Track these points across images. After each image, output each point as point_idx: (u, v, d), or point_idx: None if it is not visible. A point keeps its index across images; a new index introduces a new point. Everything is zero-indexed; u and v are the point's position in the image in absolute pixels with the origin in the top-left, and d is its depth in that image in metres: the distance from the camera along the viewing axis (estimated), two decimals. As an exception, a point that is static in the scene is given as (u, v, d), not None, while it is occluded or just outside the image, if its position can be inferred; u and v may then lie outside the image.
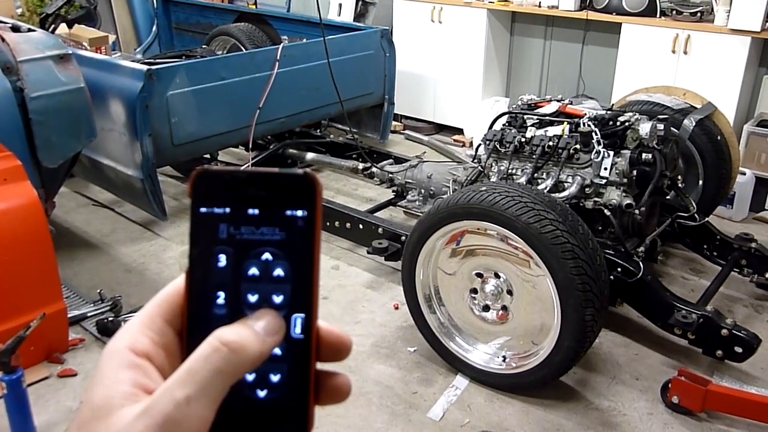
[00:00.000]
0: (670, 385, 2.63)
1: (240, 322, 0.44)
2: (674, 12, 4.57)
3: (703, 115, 3.47)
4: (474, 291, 2.77)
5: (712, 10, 4.44)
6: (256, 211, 0.44)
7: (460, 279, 2.79)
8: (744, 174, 4.21)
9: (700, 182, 3.54)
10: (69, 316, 3.00)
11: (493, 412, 2.68)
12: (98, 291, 3.31)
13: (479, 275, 2.74)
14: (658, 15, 4.62)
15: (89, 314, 3.18)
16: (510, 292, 2.68)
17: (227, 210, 0.44)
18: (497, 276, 2.70)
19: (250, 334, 0.43)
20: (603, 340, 3.01)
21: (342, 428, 2.57)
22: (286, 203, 0.44)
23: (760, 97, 4.61)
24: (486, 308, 2.76)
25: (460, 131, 5.73)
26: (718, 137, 3.48)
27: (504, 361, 2.76)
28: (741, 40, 4.27)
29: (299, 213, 0.44)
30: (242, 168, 0.45)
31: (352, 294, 3.47)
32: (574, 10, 4.96)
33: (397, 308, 3.32)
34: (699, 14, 4.48)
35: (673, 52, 4.53)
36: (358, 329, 3.18)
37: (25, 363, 2.56)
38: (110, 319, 3.10)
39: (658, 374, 2.85)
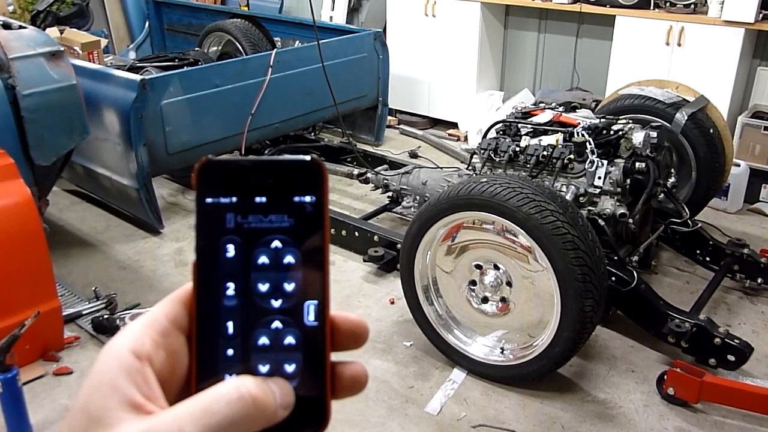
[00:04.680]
0: (665, 377, 2.64)
1: (266, 379, 0.42)
2: (668, 4, 4.56)
3: (695, 109, 3.47)
4: (473, 283, 2.78)
5: (706, 1, 4.43)
6: (264, 199, 0.44)
7: (459, 272, 2.79)
8: (738, 166, 4.21)
9: (693, 176, 3.55)
10: (64, 314, 3.00)
11: (490, 405, 2.68)
12: (93, 289, 3.30)
13: (478, 267, 2.75)
14: (651, 7, 4.61)
15: (84, 312, 3.17)
16: (509, 284, 2.69)
17: (234, 199, 0.43)
18: (497, 267, 2.71)
19: (272, 398, 0.41)
20: (598, 332, 3.02)
21: (338, 423, 2.57)
22: (294, 190, 0.44)
23: (754, 88, 4.61)
24: (485, 300, 2.77)
25: (454, 125, 5.72)
26: (711, 130, 3.48)
27: (502, 353, 2.76)
28: (735, 31, 4.26)
29: (307, 199, 0.44)
30: (247, 157, 0.45)
31: (347, 289, 3.47)
32: (568, 3, 4.95)
33: (393, 303, 3.32)
34: (692, 6, 4.47)
35: (667, 44, 4.52)
36: (354, 324, 3.17)
37: (21, 361, 2.56)
38: (105, 316, 3.10)
39: (653, 366, 2.86)
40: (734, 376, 2.73)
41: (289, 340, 0.43)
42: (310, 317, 0.44)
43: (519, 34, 5.65)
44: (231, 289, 0.43)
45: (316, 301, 0.44)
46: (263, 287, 0.44)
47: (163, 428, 0.38)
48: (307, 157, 0.44)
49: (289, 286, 0.44)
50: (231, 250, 0.43)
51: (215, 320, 0.43)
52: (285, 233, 0.44)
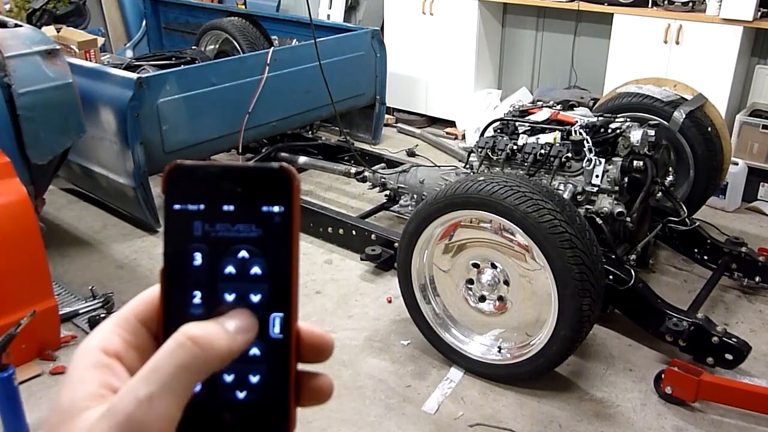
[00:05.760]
0: (663, 376, 2.63)
1: (210, 320, 0.42)
2: (666, 2, 4.55)
3: (693, 107, 3.47)
4: (470, 282, 2.77)
5: (704, -1, 4.44)
6: (232, 208, 0.43)
7: (456, 271, 2.79)
8: (736, 164, 4.21)
9: (691, 174, 3.54)
10: (61, 313, 2.99)
11: (487, 404, 2.68)
12: (90, 287, 3.29)
13: (476, 265, 2.74)
14: (649, 5, 4.60)
15: (81, 311, 3.17)
16: (507, 282, 2.69)
17: (202, 207, 0.43)
18: (494, 266, 2.71)
19: (218, 331, 0.42)
20: (596, 331, 3.01)
21: (336, 422, 2.57)
22: (262, 199, 0.43)
23: (752, 86, 4.60)
24: (482, 299, 2.76)
25: (452, 124, 5.71)
26: (709, 129, 3.47)
27: (500, 351, 2.76)
28: (733, 29, 4.26)
29: (275, 209, 0.43)
30: (217, 163, 0.44)
31: (345, 288, 3.47)
32: (566, 1, 4.94)
33: (390, 302, 3.31)
34: (691, 4, 4.46)
35: (665, 42, 4.52)
36: (351, 323, 3.17)
37: (17, 360, 2.56)
38: (102, 315, 3.09)
39: (651, 365, 2.85)
40: (732, 375, 2.73)
41: (254, 351, 0.43)
42: (275, 329, 0.43)
43: (517, 33, 5.64)
44: (197, 297, 0.43)
45: (281, 314, 0.44)
46: (229, 297, 0.43)
47: (120, 402, 0.39)
48: (276, 165, 0.43)
49: (255, 298, 0.43)
50: (198, 259, 0.43)
51: None
52: (252, 243, 0.43)
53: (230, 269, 0.43)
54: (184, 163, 0.43)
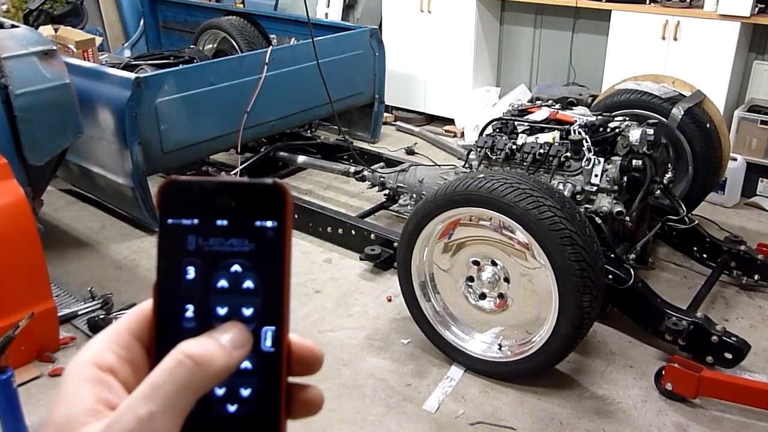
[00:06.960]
0: (663, 372, 2.63)
1: (206, 335, 0.43)
2: (664, -2, 4.55)
3: (691, 104, 3.46)
4: (470, 279, 2.77)
5: (702, -5, 4.43)
6: (225, 222, 0.43)
7: (456, 269, 2.78)
8: (735, 160, 4.21)
9: (690, 170, 3.54)
10: (60, 314, 2.98)
11: (488, 402, 2.68)
12: (89, 289, 3.28)
13: (476, 263, 2.74)
14: (647, 1, 4.60)
15: (80, 312, 3.16)
16: (507, 280, 2.68)
17: (195, 221, 0.43)
18: (494, 263, 2.70)
19: (215, 347, 0.42)
20: (596, 328, 3.01)
21: (336, 422, 2.56)
22: (256, 214, 0.44)
23: (750, 82, 4.61)
24: (482, 296, 2.76)
25: (451, 121, 5.70)
26: (708, 125, 3.47)
27: (500, 349, 2.76)
28: (731, 25, 4.25)
29: (269, 224, 0.44)
30: (211, 178, 0.44)
31: (344, 287, 3.46)
32: (564, -2, 4.93)
33: (390, 300, 3.31)
34: (688, 0, 4.46)
35: (663, 38, 4.51)
36: (351, 322, 3.17)
37: (16, 363, 2.55)
38: (101, 316, 3.09)
39: (651, 361, 2.85)
40: (732, 371, 2.73)
41: (245, 364, 0.43)
42: (267, 343, 0.44)
43: (515, 30, 5.64)
44: (190, 311, 0.44)
45: (273, 328, 0.44)
46: (222, 311, 0.44)
47: (120, 419, 0.39)
48: (270, 181, 0.44)
49: (247, 311, 0.44)
50: (191, 273, 0.44)
51: (174, 341, 0.43)
52: (245, 258, 0.44)
53: (223, 283, 0.44)
54: (178, 178, 0.44)
